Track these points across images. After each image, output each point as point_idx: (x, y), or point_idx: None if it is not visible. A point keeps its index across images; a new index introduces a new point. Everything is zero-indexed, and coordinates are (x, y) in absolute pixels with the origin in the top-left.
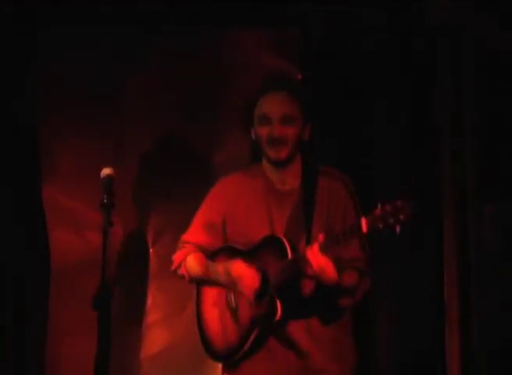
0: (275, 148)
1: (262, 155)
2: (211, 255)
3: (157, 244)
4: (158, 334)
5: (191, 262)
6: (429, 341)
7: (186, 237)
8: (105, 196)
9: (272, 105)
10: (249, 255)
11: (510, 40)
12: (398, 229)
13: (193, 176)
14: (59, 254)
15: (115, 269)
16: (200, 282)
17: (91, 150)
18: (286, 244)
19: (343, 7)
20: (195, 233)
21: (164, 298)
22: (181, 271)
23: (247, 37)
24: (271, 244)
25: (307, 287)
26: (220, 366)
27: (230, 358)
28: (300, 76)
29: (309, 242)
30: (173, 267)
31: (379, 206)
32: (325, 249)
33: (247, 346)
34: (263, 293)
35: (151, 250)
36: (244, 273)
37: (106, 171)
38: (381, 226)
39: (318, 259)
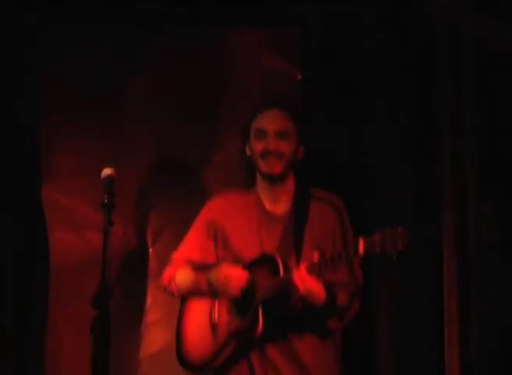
0: (270, 161)
1: (256, 171)
2: (204, 268)
3: (157, 244)
4: (157, 334)
5: (181, 275)
6: (429, 341)
7: (176, 255)
8: (106, 196)
9: (268, 120)
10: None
11: (510, 40)
12: (395, 257)
13: (193, 176)
14: (59, 254)
15: (114, 268)
16: (190, 294)
17: (91, 150)
18: (279, 262)
19: (343, 7)
20: (186, 251)
21: (163, 298)
22: (171, 288)
23: (247, 37)
24: (264, 261)
25: (295, 306)
26: None
27: (206, 370)
28: (299, 77)
29: (298, 265)
30: (163, 284)
31: (379, 230)
32: (313, 270)
33: (221, 359)
34: (248, 307)
35: (150, 250)
36: (232, 272)
37: (107, 171)
38: (378, 250)
39: (304, 281)
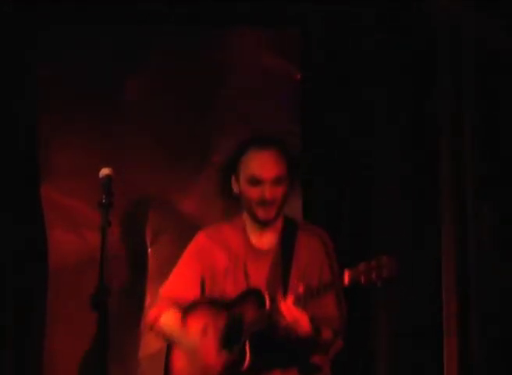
0: (266, 209)
1: (246, 211)
2: (188, 308)
3: (155, 244)
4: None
5: (165, 322)
6: (428, 340)
7: (163, 291)
8: (104, 196)
9: (263, 166)
10: (228, 305)
11: (510, 40)
12: (379, 284)
13: (192, 176)
14: (58, 253)
15: (113, 268)
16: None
17: (91, 150)
18: (266, 295)
19: (343, 7)
20: (172, 288)
21: None
22: (156, 329)
23: (247, 37)
24: (250, 295)
25: (280, 339)
26: None
27: None
28: (299, 77)
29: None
30: (149, 323)
31: (364, 262)
32: (298, 302)
33: None
34: (236, 340)
35: (149, 250)
36: (208, 360)
37: (105, 171)
38: (362, 280)
39: (291, 311)
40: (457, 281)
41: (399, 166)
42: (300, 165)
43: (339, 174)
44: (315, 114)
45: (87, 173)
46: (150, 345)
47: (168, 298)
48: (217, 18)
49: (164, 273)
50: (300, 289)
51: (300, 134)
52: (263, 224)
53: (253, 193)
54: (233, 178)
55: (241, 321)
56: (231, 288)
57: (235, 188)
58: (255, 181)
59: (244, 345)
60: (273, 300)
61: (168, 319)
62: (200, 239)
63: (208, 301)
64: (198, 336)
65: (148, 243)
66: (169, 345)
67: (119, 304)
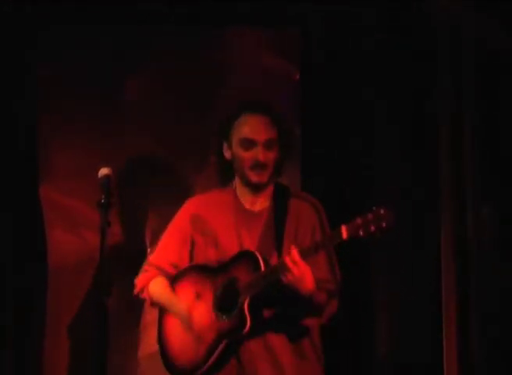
0: (258, 172)
1: (238, 175)
2: (176, 277)
3: (155, 244)
4: (155, 333)
5: (153, 289)
6: (428, 341)
7: (151, 259)
8: (103, 196)
9: (255, 128)
10: (219, 270)
11: (510, 40)
12: (378, 235)
13: (191, 176)
14: (57, 253)
15: (112, 268)
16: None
17: (90, 150)
18: (259, 258)
19: (343, 7)
20: (161, 254)
21: None
22: (143, 295)
23: (247, 37)
24: (243, 258)
25: (280, 300)
26: None
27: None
28: (299, 76)
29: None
30: (135, 291)
31: (360, 216)
32: (304, 255)
33: (211, 360)
34: (232, 306)
35: (148, 250)
36: (197, 323)
37: (104, 171)
38: (361, 233)
39: (298, 265)
40: (457, 281)
41: (399, 166)
42: (290, 131)
43: (339, 174)
44: (315, 114)
45: (87, 173)
46: (150, 345)
47: (155, 265)
48: (217, 18)
49: None
50: (294, 248)
51: (300, 134)
52: (255, 188)
53: (246, 156)
54: (225, 145)
55: (236, 285)
56: (223, 251)
57: (227, 155)
58: (248, 144)
59: (243, 309)
60: (267, 263)
61: (156, 287)
62: (189, 205)
63: (197, 267)
64: (190, 302)
65: (148, 243)
66: (161, 311)
67: (119, 304)
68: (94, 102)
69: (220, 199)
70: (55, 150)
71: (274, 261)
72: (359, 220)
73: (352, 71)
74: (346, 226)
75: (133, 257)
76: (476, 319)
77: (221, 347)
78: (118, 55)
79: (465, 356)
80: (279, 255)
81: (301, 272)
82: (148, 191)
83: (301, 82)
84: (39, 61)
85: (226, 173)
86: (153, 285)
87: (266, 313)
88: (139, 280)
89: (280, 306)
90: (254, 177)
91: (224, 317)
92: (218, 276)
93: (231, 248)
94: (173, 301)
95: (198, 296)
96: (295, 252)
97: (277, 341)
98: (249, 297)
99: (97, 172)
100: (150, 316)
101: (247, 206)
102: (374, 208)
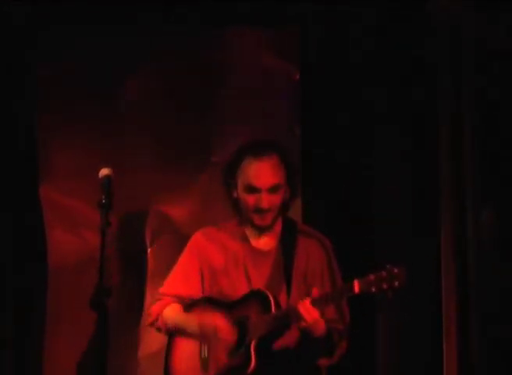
0: (261, 216)
1: (244, 215)
2: (190, 305)
3: (155, 244)
4: (156, 333)
5: (168, 313)
6: (428, 341)
7: (163, 289)
8: (104, 196)
9: (260, 175)
10: (229, 306)
11: (510, 40)
12: (390, 295)
13: (192, 176)
14: (57, 253)
15: (113, 268)
16: (177, 333)
17: (90, 150)
18: (271, 299)
19: (343, 7)
20: (173, 285)
21: None
22: (158, 324)
23: (247, 37)
24: (254, 297)
25: (288, 343)
26: None
27: None
28: (299, 76)
29: (289, 299)
30: (150, 320)
31: (374, 272)
32: (316, 304)
33: None
34: (240, 344)
35: (149, 250)
36: (220, 327)
37: (104, 171)
38: (374, 289)
39: (310, 313)
40: (457, 281)
41: (399, 166)
42: (299, 171)
43: (339, 174)
44: (315, 114)
45: (87, 173)
46: (150, 345)
47: (168, 295)
48: (217, 18)
49: (163, 273)
50: (315, 293)
51: (300, 134)
52: (260, 229)
53: (249, 200)
54: (232, 183)
55: (246, 323)
56: (231, 289)
57: (234, 193)
58: (252, 189)
59: (249, 349)
60: (278, 305)
61: (170, 311)
62: (197, 238)
63: (210, 300)
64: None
65: (148, 243)
66: (169, 343)
67: (119, 304)
68: (94, 102)
69: (228, 235)
70: (55, 150)
71: (283, 300)
72: (372, 277)
73: (352, 71)
74: (359, 281)
75: (133, 257)
76: (476, 319)
77: None
78: (118, 55)
79: (465, 356)
80: (289, 295)
81: (313, 318)
82: (148, 191)
83: (301, 82)
84: (39, 61)
85: (235, 209)
86: (167, 310)
87: (276, 353)
88: (153, 309)
89: (294, 347)
90: (257, 220)
91: (231, 354)
92: (230, 312)
93: (240, 285)
94: (190, 318)
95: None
96: (308, 301)
97: None
98: (257, 337)
99: (97, 172)
100: None
101: (254, 244)
102: (388, 266)
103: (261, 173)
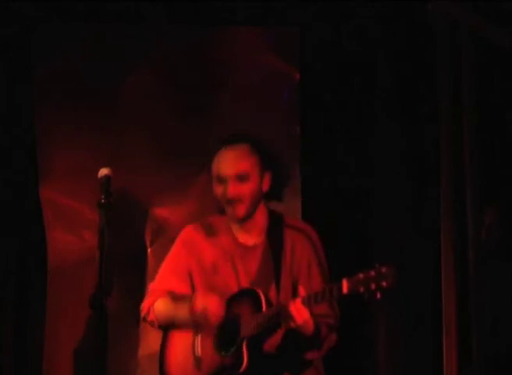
0: (232, 206)
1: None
2: (180, 297)
3: (155, 244)
4: (156, 333)
5: (159, 306)
6: (427, 341)
7: (153, 285)
8: (103, 196)
9: (227, 164)
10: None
11: (510, 40)
12: (379, 295)
13: (191, 176)
14: (57, 253)
15: (112, 268)
16: (169, 326)
17: (90, 150)
18: (262, 298)
19: (343, 7)
20: (163, 280)
21: None
22: (150, 317)
23: (247, 37)
24: (246, 296)
25: (275, 340)
26: None
27: None
28: (298, 77)
29: (278, 295)
30: (142, 314)
31: (363, 271)
32: (306, 303)
33: None
34: (231, 342)
35: (149, 250)
36: (209, 301)
37: (104, 171)
38: (361, 289)
39: (301, 313)
40: (457, 281)
41: (399, 166)
42: (276, 157)
43: (338, 174)
44: (315, 114)
45: (86, 174)
46: (150, 345)
47: (158, 289)
48: (217, 18)
49: None
50: (302, 292)
51: (300, 135)
52: (241, 221)
53: (218, 191)
54: (210, 177)
55: (237, 322)
56: (223, 285)
57: (214, 191)
58: (220, 179)
59: (241, 347)
60: (269, 303)
61: (161, 303)
62: (186, 233)
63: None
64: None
65: (148, 243)
66: (164, 333)
67: (119, 304)
68: (94, 102)
69: (216, 229)
70: (54, 150)
71: (272, 295)
72: (361, 275)
73: (352, 71)
74: (348, 280)
75: (133, 257)
76: (476, 319)
77: None
78: (118, 54)
79: (465, 356)
80: (278, 290)
81: (303, 319)
82: (148, 191)
83: (301, 82)
84: (38, 61)
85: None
86: (158, 303)
87: (266, 351)
88: (144, 304)
89: (281, 344)
90: (229, 212)
91: (223, 353)
92: None
93: (229, 280)
94: (180, 306)
95: None
96: (299, 301)
97: None
98: (248, 336)
99: (97, 172)
100: None
101: (241, 240)
102: (376, 265)
103: (227, 161)
